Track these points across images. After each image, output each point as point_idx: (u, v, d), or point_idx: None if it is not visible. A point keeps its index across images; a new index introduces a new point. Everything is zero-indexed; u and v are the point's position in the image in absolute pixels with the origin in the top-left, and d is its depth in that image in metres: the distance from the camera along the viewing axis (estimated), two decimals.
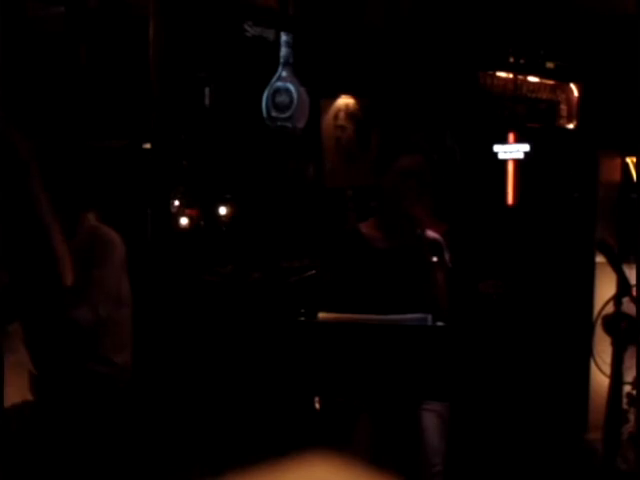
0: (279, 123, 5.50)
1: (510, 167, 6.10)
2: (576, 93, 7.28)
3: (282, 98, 5.46)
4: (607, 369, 3.13)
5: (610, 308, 3.17)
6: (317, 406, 2.94)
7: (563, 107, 7.29)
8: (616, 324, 2.97)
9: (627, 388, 3.54)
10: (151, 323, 3.96)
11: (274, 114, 5.47)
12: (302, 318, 2.49)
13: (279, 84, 5.47)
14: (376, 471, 1.48)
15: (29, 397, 2.43)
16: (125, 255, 2.60)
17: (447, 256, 3.03)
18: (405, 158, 2.99)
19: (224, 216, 5.53)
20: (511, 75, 6.91)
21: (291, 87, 5.47)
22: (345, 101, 6.21)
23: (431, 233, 3.04)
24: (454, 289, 3.00)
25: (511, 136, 6.09)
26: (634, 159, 4.95)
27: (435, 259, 2.86)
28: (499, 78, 6.87)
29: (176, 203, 5.28)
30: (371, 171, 3.06)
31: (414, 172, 2.94)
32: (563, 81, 7.31)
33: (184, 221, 5.27)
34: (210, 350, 4.52)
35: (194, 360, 4.46)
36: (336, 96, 6.15)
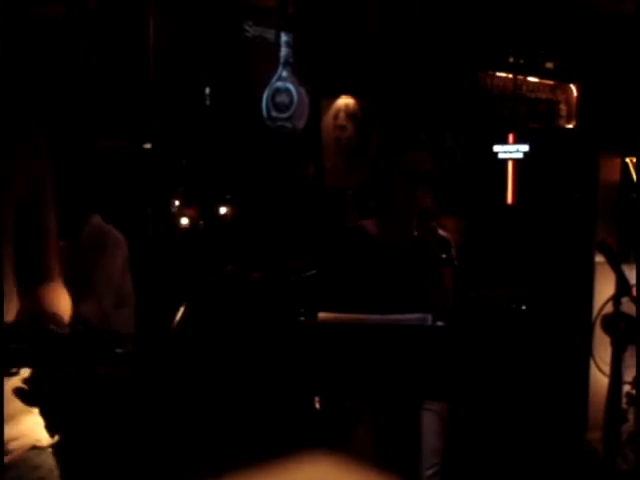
0: (279, 123, 5.51)
1: (510, 167, 6.10)
2: (576, 93, 7.29)
3: (282, 98, 5.48)
4: (606, 369, 3.14)
5: (609, 308, 3.17)
6: (317, 406, 2.94)
7: (563, 107, 7.29)
8: (615, 324, 2.97)
9: (627, 388, 3.54)
10: (151, 322, 3.96)
11: (274, 114, 5.48)
12: (302, 318, 2.49)
13: (279, 84, 5.48)
14: (376, 471, 1.48)
15: None
16: (128, 255, 2.61)
17: (454, 252, 3.00)
18: (409, 155, 2.94)
19: (224, 216, 5.53)
20: (511, 75, 6.92)
21: (291, 87, 5.48)
22: (345, 101, 6.21)
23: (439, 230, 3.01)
24: (457, 288, 2.99)
25: (511, 136, 6.09)
26: (634, 159, 4.96)
27: (444, 256, 2.83)
28: (499, 78, 6.88)
29: (176, 203, 5.28)
30: (370, 170, 3.03)
31: (419, 170, 2.89)
32: (563, 81, 7.31)
33: (184, 221, 5.27)
34: (210, 350, 4.52)
35: (194, 359, 4.46)
36: (336, 96, 6.15)
